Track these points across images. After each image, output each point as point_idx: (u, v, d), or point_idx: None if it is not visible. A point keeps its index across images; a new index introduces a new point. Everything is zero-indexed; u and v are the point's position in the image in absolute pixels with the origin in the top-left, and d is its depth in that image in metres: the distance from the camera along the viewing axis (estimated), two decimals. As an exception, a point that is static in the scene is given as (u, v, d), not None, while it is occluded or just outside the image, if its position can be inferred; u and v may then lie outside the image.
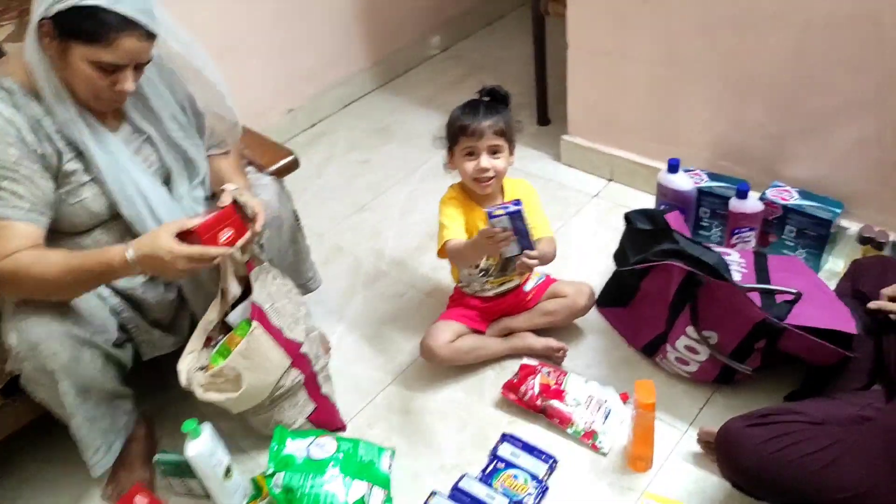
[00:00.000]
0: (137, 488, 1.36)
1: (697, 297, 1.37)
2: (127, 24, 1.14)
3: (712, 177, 1.81)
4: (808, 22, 1.55)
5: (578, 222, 2.06)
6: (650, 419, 1.30)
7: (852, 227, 1.64)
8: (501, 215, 1.30)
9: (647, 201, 2.06)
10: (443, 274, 1.90)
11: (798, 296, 1.37)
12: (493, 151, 1.46)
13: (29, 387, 1.28)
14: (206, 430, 1.34)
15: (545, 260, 1.47)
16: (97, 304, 1.31)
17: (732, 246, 1.76)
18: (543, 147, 2.39)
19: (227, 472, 1.39)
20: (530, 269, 1.52)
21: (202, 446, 1.32)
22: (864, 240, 1.55)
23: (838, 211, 1.62)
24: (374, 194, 2.34)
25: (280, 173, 1.61)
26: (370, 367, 1.71)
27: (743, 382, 1.46)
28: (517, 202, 1.31)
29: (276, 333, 1.33)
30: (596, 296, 1.66)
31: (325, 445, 1.40)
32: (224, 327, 1.43)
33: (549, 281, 1.68)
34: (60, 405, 1.28)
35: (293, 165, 1.63)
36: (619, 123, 2.06)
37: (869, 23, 1.47)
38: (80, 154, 1.24)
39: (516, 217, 1.30)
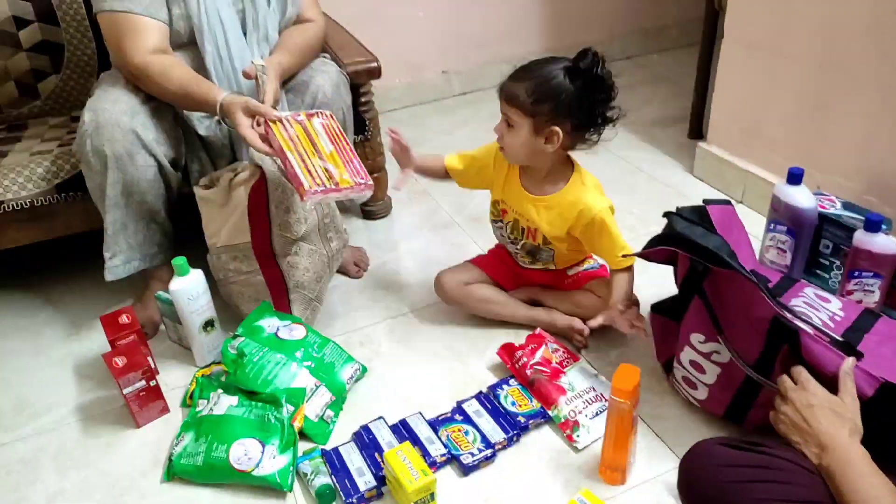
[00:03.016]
0: (126, 310, 1.41)
1: (705, 292, 1.10)
2: None
3: (847, 206, 1.46)
4: None
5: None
6: (626, 413, 1.06)
7: None
8: None
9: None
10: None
11: (849, 347, 1.03)
12: (508, 122, 1.27)
13: (84, 170, 1.38)
14: (196, 274, 1.36)
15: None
16: (170, 122, 1.41)
17: (849, 294, 1.40)
18: (680, 156, 2.14)
19: (208, 325, 1.40)
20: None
21: (185, 285, 1.34)
22: None
23: None
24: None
25: (359, 76, 1.60)
26: (392, 295, 1.64)
27: (758, 429, 1.15)
28: None
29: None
30: (638, 306, 1.37)
31: (294, 331, 1.36)
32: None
33: (600, 272, 1.46)
34: (102, 196, 1.37)
35: (374, 73, 1.62)
36: (760, 135, 1.76)
37: None
38: None
39: None
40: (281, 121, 1.27)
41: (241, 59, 1.41)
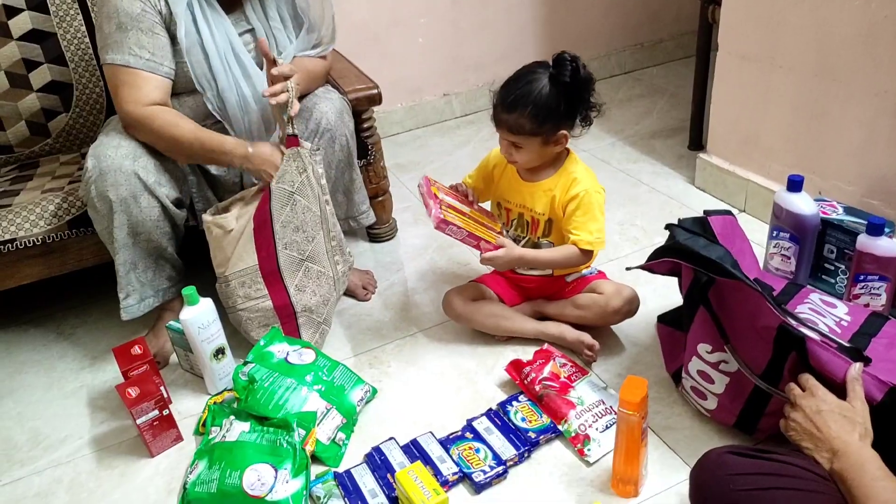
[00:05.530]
0: (138, 341, 1.43)
1: (710, 302, 1.11)
2: None
3: (849, 211, 1.47)
4: None
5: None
6: (635, 425, 1.06)
7: None
8: None
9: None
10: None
11: (856, 352, 1.03)
12: (513, 144, 1.34)
13: (91, 214, 1.41)
14: (206, 303, 1.38)
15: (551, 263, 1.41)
16: (172, 164, 1.43)
17: (856, 297, 1.41)
18: (680, 167, 2.16)
19: (219, 353, 1.42)
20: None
21: (196, 314, 1.36)
22: None
23: None
24: (492, 179, 2.29)
25: (360, 103, 1.63)
26: (400, 316, 1.65)
27: (769, 438, 1.15)
28: None
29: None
30: (637, 303, 1.43)
31: (304, 355, 1.37)
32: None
33: (599, 276, 1.49)
34: (111, 239, 1.40)
35: (375, 99, 1.65)
36: (759, 144, 1.78)
37: None
38: (189, 22, 1.36)
39: None
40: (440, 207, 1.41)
41: (258, 95, 1.44)
